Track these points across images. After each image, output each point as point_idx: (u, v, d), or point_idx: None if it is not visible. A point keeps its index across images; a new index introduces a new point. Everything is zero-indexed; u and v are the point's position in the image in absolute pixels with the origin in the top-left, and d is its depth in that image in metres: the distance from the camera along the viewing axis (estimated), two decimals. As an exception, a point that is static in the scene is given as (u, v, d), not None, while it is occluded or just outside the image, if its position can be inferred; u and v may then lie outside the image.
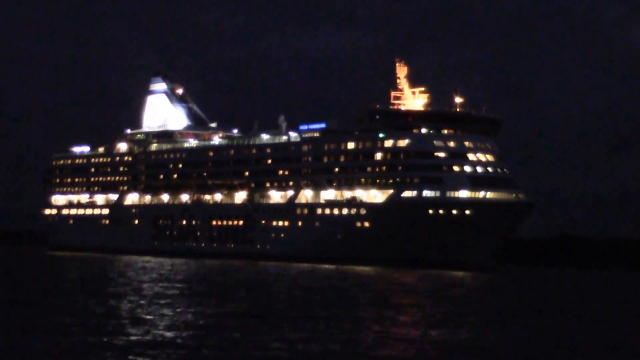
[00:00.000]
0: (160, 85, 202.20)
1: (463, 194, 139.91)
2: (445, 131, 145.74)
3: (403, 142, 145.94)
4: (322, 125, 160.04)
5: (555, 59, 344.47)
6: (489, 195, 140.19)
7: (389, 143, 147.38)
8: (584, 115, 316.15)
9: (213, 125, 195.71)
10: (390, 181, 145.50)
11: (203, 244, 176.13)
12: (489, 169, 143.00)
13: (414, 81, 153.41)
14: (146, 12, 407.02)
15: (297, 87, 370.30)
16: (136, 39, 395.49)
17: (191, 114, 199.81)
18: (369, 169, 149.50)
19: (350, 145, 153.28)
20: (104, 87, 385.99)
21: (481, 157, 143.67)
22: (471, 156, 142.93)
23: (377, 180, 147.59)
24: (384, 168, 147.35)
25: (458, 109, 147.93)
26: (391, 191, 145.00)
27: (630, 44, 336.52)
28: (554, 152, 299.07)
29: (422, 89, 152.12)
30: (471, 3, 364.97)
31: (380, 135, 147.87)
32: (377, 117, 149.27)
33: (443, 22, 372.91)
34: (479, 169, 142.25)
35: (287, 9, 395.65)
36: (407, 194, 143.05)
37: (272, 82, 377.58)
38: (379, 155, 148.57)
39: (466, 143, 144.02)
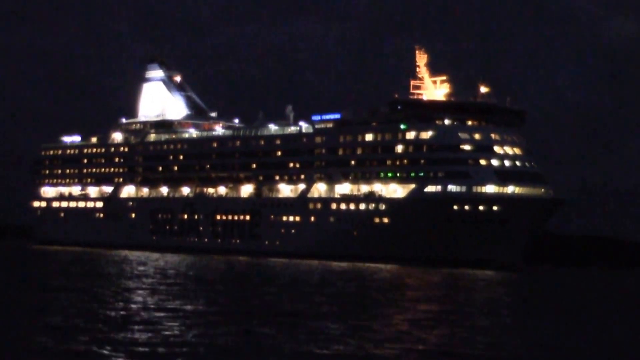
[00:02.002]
0: (156, 73, 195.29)
1: (490, 189, 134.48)
2: (470, 122, 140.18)
3: (426, 134, 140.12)
4: (337, 116, 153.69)
5: (533, 53, 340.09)
6: (517, 190, 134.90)
7: (410, 135, 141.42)
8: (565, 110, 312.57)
9: (213, 114, 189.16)
10: (413, 175, 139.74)
11: (206, 240, 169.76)
12: (517, 163, 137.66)
13: (433, 70, 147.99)
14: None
15: (293, 78, 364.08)
16: (124, 27, 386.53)
17: (190, 103, 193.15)
18: (388, 162, 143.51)
19: (368, 137, 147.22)
20: (93, 77, 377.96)
21: (508, 150, 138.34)
22: (498, 149, 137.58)
23: (398, 174, 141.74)
24: (405, 161, 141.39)
25: (479, 99, 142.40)
26: (413, 186, 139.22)
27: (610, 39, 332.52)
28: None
29: (444, 78, 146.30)
30: None
31: (402, 126, 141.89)
32: (399, 107, 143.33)
33: (418, 14, 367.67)
34: (507, 163, 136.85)
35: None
36: (430, 188, 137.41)
37: (270, 72, 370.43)
38: (399, 148, 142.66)
39: (492, 135, 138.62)
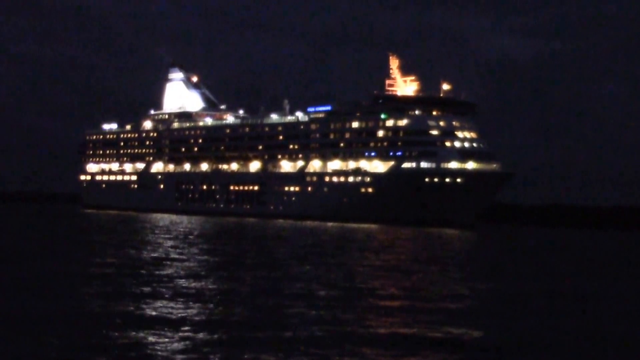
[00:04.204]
0: (177, 74, 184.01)
1: (453, 165, 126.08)
2: (435, 112, 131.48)
3: (402, 122, 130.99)
4: (328, 108, 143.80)
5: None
6: (474, 166, 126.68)
7: (389, 123, 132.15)
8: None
9: (223, 107, 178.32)
10: (392, 154, 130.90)
11: (221, 205, 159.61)
12: (474, 145, 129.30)
13: (405, 72, 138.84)
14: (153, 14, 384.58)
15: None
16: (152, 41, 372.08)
17: (204, 98, 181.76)
18: (371, 145, 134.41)
19: (355, 124, 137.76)
20: (127, 79, 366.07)
21: (466, 134, 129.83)
22: (459, 133, 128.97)
23: (380, 154, 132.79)
24: (385, 144, 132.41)
25: (442, 94, 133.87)
26: (392, 163, 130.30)
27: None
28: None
29: (413, 77, 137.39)
30: (375, 16, 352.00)
31: (382, 116, 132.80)
32: (380, 101, 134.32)
33: (353, 30, 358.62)
34: (466, 144, 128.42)
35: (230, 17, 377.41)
36: (406, 165, 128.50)
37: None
38: (380, 133, 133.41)
39: (454, 122, 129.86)
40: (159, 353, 23.30)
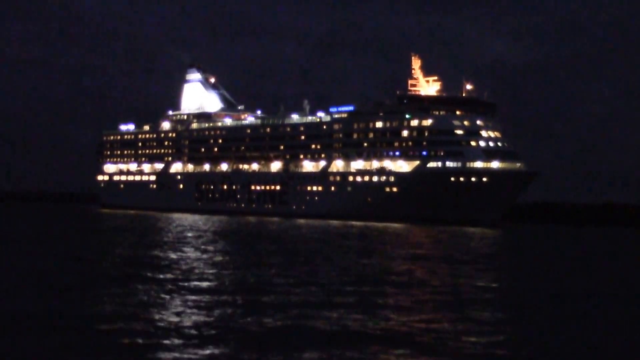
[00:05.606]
0: (195, 75, 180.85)
1: (479, 164, 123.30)
2: (458, 112, 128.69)
3: (427, 122, 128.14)
4: (351, 108, 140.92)
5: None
6: (499, 165, 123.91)
7: (414, 122, 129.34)
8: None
9: (241, 107, 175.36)
10: (417, 154, 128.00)
11: (243, 205, 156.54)
12: (498, 144, 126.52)
13: (426, 72, 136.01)
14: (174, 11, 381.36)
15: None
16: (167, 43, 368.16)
17: (223, 98, 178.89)
18: (396, 144, 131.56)
19: (378, 124, 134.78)
20: (143, 81, 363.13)
21: (490, 133, 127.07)
22: (484, 133, 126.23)
23: (404, 153, 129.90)
24: (410, 143, 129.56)
25: (464, 94, 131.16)
26: (417, 162, 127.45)
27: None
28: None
29: (435, 77, 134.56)
30: (363, 23, 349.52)
31: (407, 115, 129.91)
32: (405, 101, 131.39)
33: (342, 36, 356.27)
34: (491, 144, 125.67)
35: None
36: (432, 164, 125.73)
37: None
38: (405, 133, 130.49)
39: (478, 122, 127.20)
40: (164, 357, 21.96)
